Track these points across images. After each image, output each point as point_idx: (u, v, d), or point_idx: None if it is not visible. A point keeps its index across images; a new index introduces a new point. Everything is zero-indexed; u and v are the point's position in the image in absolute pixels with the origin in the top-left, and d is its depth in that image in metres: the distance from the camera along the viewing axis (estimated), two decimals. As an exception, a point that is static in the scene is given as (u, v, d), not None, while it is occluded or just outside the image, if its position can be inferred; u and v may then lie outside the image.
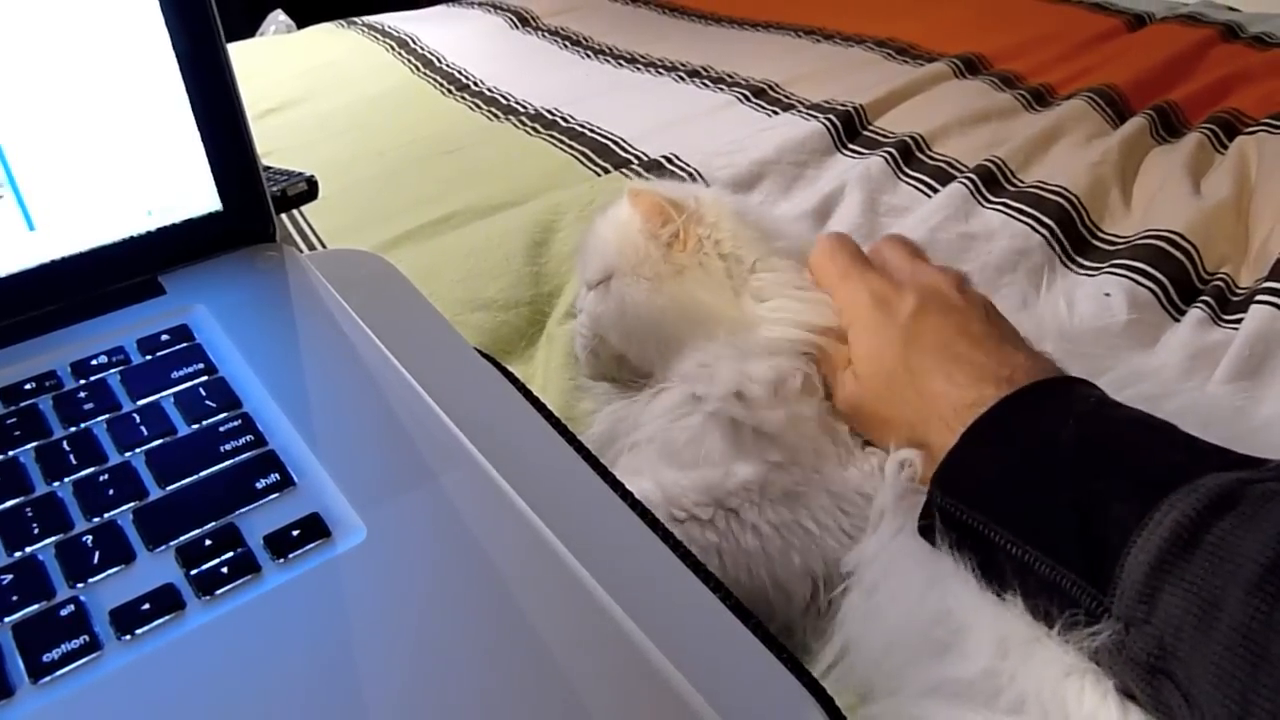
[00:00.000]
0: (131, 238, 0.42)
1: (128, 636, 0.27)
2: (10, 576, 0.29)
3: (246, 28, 1.88)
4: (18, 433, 0.34)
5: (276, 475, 0.32)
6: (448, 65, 1.24)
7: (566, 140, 0.94)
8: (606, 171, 0.86)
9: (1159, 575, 0.30)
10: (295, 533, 0.30)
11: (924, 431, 0.39)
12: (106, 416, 0.35)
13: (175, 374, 0.37)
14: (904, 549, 0.38)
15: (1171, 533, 0.30)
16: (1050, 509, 0.34)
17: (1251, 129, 0.87)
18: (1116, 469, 0.34)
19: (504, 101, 1.09)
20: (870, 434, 0.43)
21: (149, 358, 0.38)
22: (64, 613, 0.28)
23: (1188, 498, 0.31)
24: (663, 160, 0.85)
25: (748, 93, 1.06)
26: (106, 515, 0.31)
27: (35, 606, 0.28)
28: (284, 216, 0.77)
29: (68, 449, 0.33)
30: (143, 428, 0.34)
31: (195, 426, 0.34)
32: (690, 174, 0.82)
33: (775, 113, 1.00)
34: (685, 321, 0.48)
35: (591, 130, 0.96)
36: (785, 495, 0.43)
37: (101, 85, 0.40)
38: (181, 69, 0.41)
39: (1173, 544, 0.30)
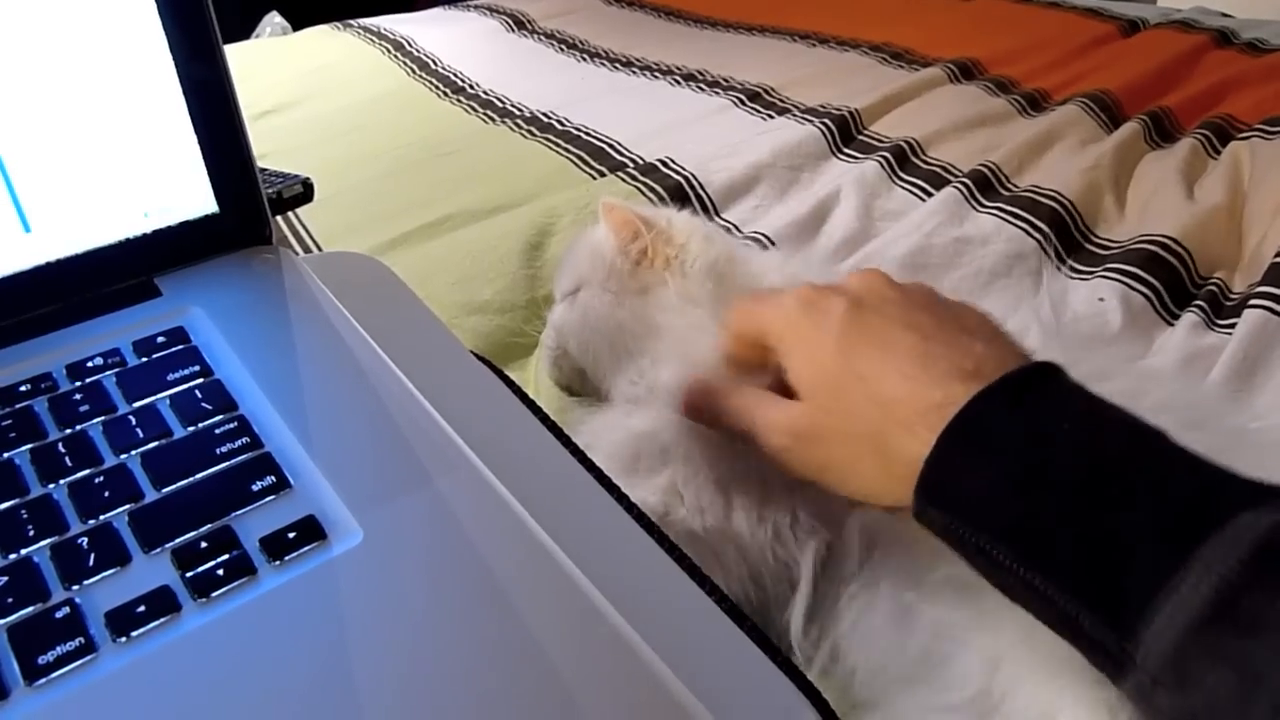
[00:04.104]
0: (127, 239, 0.42)
1: (123, 639, 0.27)
2: (5, 578, 0.29)
3: (242, 29, 1.88)
4: (13, 434, 0.34)
5: (272, 478, 0.32)
6: (444, 68, 1.24)
7: (562, 143, 0.94)
8: (602, 175, 0.86)
9: (1195, 644, 0.27)
10: (291, 535, 0.30)
11: (883, 442, 0.34)
12: (102, 419, 0.35)
13: (171, 376, 0.37)
14: (884, 574, 0.38)
15: (1211, 604, 0.27)
16: (1052, 533, 0.31)
17: (1244, 134, 0.88)
18: (1127, 497, 0.30)
19: (500, 104, 1.09)
20: (816, 460, 0.37)
21: (145, 360, 0.38)
22: (59, 615, 0.28)
23: (1225, 554, 0.27)
24: (658, 164, 0.85)
25: (743, 96, 1.06)
26: (102, 517, 0.31)
27: (30, 608, 0.28)
28: (280, 218, 0.77)
29: (63, 451, 0.33)
30: (138, 430, 0.34)
31: (191, 429, 0.34)
32: (685, 178, 0.82)
33: (771, 117, 1.00)
34: (640, 338, 0.48)
35: (587, 133, 0.96)
36: (688, 536, 0.41)
37: (98, 87, 0.40)
38: (178, 71, 0.41)
39: (1213, 612, 0.27)
